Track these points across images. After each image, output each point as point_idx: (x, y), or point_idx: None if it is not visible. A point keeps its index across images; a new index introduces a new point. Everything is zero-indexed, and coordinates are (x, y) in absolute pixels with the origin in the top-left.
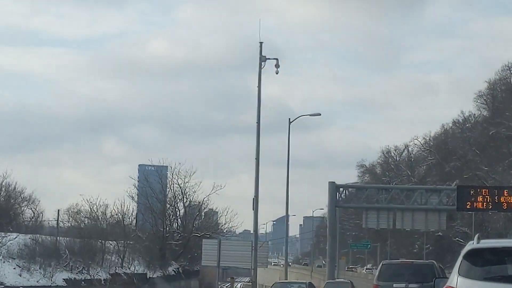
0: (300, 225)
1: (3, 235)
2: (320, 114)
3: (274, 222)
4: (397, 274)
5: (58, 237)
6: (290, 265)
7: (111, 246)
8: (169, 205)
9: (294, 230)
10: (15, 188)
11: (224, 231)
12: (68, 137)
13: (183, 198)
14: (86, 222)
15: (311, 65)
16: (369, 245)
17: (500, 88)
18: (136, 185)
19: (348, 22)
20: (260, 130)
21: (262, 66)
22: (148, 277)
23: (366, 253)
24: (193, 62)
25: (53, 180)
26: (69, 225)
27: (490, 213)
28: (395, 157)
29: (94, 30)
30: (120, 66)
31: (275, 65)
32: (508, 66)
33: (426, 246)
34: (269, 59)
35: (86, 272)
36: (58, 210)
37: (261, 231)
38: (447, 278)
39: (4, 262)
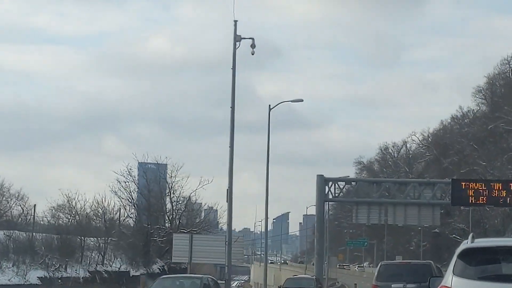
0: (300, 223)
1: None
2: (302, 100)
3: (274, 220)
4: (395, 274)
5: (33, 233)
6: (287, 263)
7: (92, 243)
8: (154, 200)
9: (294, 228)
10: (2, 184)
11: (218, 228)
12: (68, 135)
13: (170, 193)
14: (64, 217)
15: (310, 62)
16: (365, 243)
17: (499, 83)
18: (136, 183)
19: (348, 19)
20: (234, 115)
21: (237, 46)
22: (131, 275)
23: (363, 250)
24: (193, 60)
25: (52, 178)
26: (48, 221)
27: (487, 209)
28: (393, 154)
29: (93, 28)
30: (120, 63)
31: (251, 45)
32: (507, 60)
33: (423, 244)
34: (244, 38)
35: (63, 269)
36: (34, 205)
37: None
38: (443, 277)
39: None
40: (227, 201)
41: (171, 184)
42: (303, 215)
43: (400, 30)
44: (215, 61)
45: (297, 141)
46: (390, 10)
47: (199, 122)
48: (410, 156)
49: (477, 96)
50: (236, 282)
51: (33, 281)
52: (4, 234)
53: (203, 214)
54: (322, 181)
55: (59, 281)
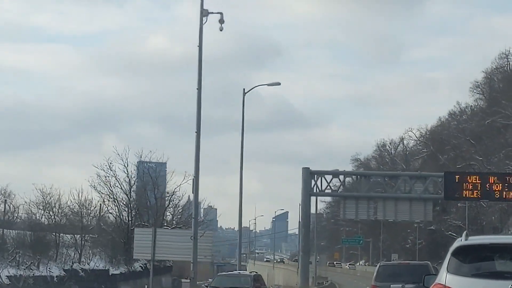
0: (299, 221)
1: None
2: (279, 84)
3: (274, 219)
4: (394, 274)
5: (3, 230)
6: (283, 262)
7: (69, 240)
8: (137, 196)
9: (294, 226)
10: None
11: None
12: (67, 134)
13: (154, 188)
14: (38, 213)
15: (311, 61)
16: (361, 241)
17: (497, 78)
18: (135, 181)
19: (348, 19)
20: (201, 97)
21: (204, 22)
22: (110, 274)
23: (359, 249)
24: (193, 58)
25: (51, 178)
26: (20, 216)
27: (484, 205)
28: (390, 151)
29: (93, 27)
30: (119, 62)
31: (219, 21)
32: (505, 54)
33: (419, 241)
34: (212, 13)
35: (35, 267)
36: (5, 201)
37: (260, 228)
38: (437, 275)
39: None
40: (192, 192)
41: (155, 179)
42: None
43: (400, 29)
44: (215, 60)
45: (297, 140)
46: (390, 9)
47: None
48: (407, 153)
49: (474, 91)
50: None
51: (2, 280)
52: None
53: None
54: (308, 174)
55: (31, 280)
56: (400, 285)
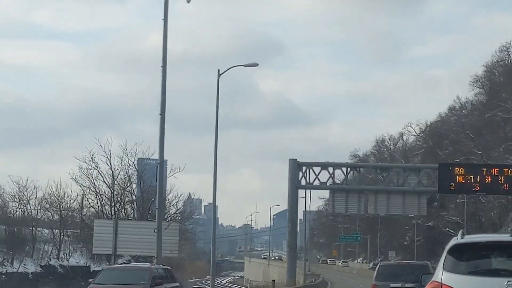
0: (300, 219)
1: None
2: (257, 65)
3: (274, 217)
4: (393, 274)
5: None
6: (282, 260)
7: (47, 234)
8: (121, 189)
9: None
10: None
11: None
12: (68, 131)
13: (140, 181)
14: (13, 206)
15: (312, 59)
16: (358, 238)
17: (497, 71)
18: (135, 179)
19: (349, 16)
20: (166, 75)
21: None
22: (91, 270)
23: (357, 246)
24: (193, 56)
25: (53, 174)
26: None
27: (483, 200)
28: (389, 146)
29: (94, 24)
30: (120, 59)
31: None
32: (505, 47)
33: (417, 238)
34: None
35: (9, 264)
36: None
37: (261, 225)
38: (433, 274)
39: None
40: (156, 181)
41: (141, 172)
42: (303, 211)
43: (401, 27)
44: (216, 57)
45: (297, 137)
46: (390, 7)
47: (199, 118)
48: (407, 148)
49: (475, 85)
50: (229, 278)
51: None
52: None
53: (180, 204)
54: (295, 165)
55: (3, 276)
56: (400, 284)
